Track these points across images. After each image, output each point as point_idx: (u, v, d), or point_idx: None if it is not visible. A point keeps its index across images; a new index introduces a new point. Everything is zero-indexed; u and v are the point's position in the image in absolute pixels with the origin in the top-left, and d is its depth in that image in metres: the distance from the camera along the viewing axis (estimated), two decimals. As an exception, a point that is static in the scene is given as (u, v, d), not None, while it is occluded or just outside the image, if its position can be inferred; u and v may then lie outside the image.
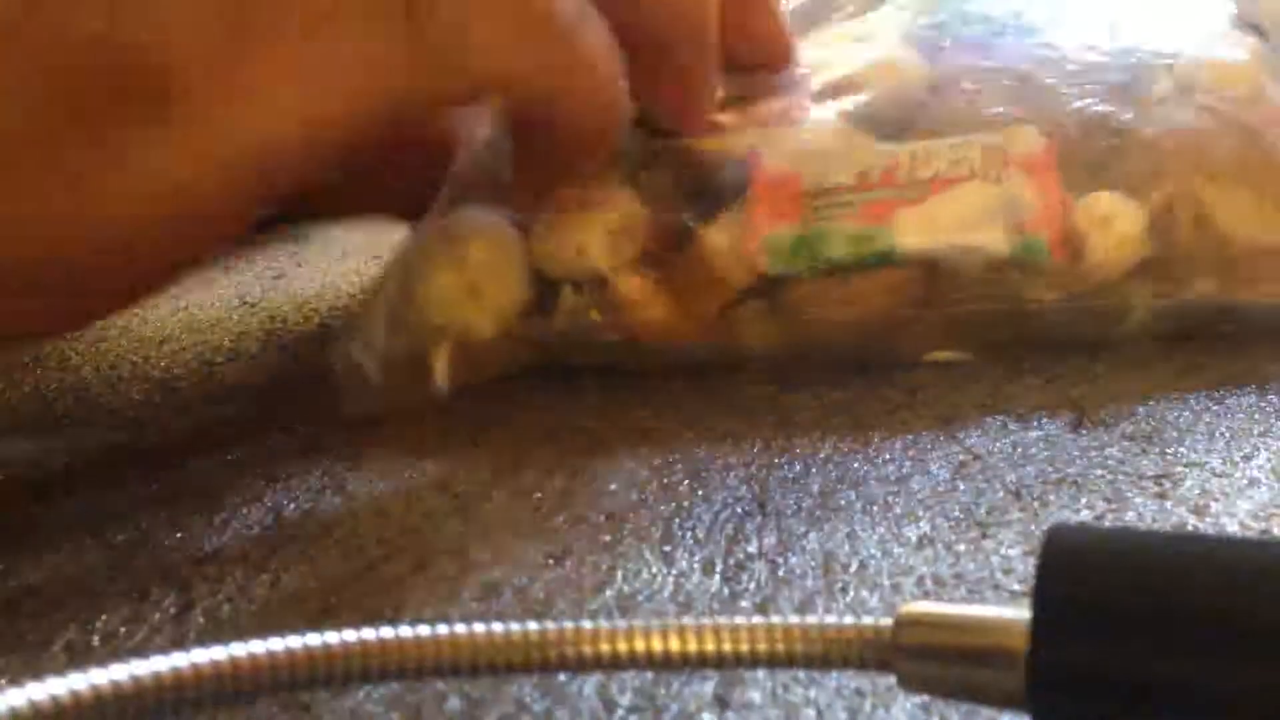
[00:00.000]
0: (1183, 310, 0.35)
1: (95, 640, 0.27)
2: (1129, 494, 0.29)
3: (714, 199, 0.36)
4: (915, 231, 0.34)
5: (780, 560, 0.28)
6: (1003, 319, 0.35)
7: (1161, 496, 0.28)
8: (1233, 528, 0.27)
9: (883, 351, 0.36)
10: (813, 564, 0.27)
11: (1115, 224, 0.34)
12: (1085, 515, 0.28)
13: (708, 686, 0.23)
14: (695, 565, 0.28)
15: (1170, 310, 0.35)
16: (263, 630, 0.27)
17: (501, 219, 0.37)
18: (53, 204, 0.28)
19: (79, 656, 0.27)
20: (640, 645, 0.20)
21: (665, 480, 0.32)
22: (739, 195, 0.36)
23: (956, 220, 0.34)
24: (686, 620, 0.20)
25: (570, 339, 0.36)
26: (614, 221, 0.36)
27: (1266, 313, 0.35)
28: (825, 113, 0.37)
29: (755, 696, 0.23)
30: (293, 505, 0.33)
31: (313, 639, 0.19)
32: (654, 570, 0.28)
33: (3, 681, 0.25)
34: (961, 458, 0.31)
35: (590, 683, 0.24)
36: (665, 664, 0.20)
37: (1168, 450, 0.30)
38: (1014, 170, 0.34)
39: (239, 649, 0.18)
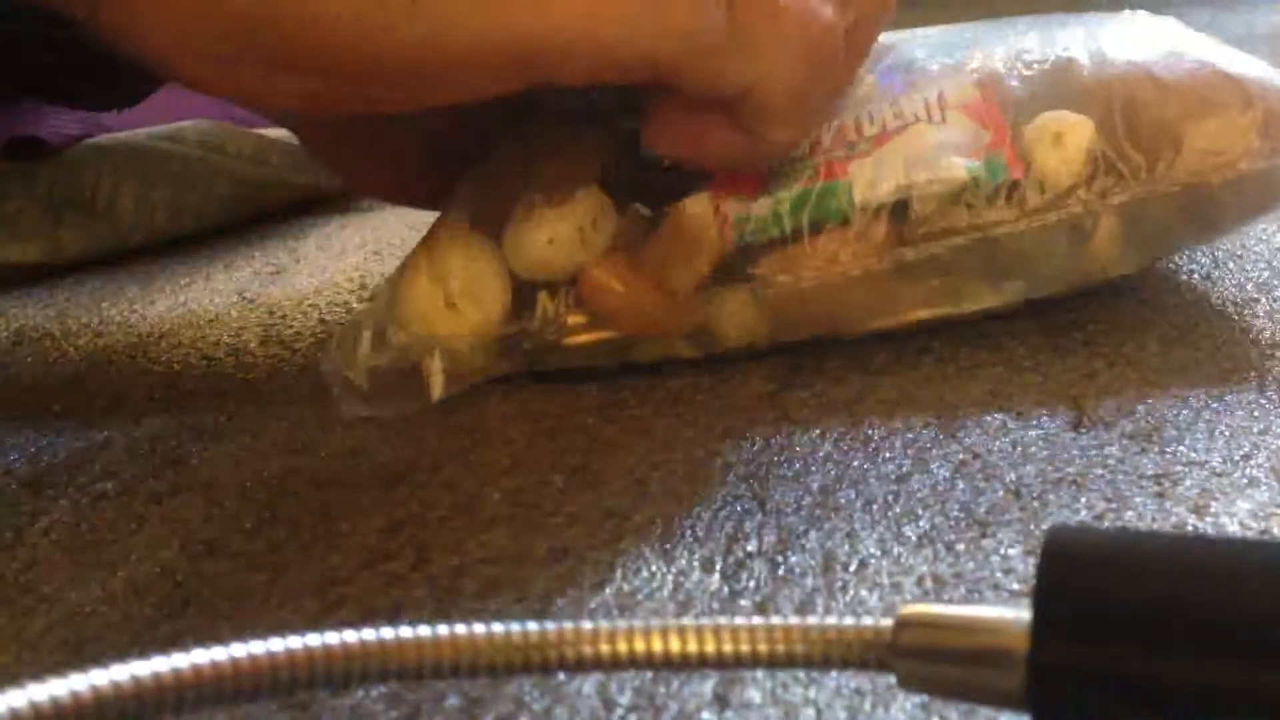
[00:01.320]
0: (1144, 209, 0.35)
1: (93, 638, 0.27)
2: (1129, 493, 0.29)
3: (680, 186, 0.36)
4: (872, 178, 0.35)
5: (780, 559, 0.28)
6: (973, 251, 0.35)
7: (1161, 496, 0.28)
8: (1232, 527, 0.27)
9: (860, 315, 0.36)
10: (812, 563, 0.27)
11: (1066, 138, 0.35)
12: (1085, 514, 0.28)
13: (707, 686, 0.23)
14: (695, 563, 0.28)
15: (1132, 211, 0.35)
16: (261, 627, 0.27)
17: (479, 233, 0.37)
18: (392, 25, 0.31)
19: (76, 653, 0.27)
20: (640, 646, 0.20)
21: (665, 478, 0.32)
22: (703, 180, 0.36)
23: (909, 160, 0.35)
24: (686, 621, 0.20)
25: (548, 343, 0.36)
26: (583, 216, 0.36)
27: (1222, 193, 0.35)
28: None
29: (755, 696, 0.23)
30: (292, 501, 0.33)
31: (313, 639, 0.19)
32: (654, 568, 0.28)
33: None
34: (961, 457, 0.31)
35: (590, 682, 0.24)
36: (665, 664, 0.20)
37: (1167, 449, 0.30)
38: (954, 112, 0.36)
39: (239, 649, 0.18)
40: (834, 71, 0.35)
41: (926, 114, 0.36)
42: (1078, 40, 0.37)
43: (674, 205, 0.36)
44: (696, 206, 0.36)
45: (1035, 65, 0.37)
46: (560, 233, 0.36)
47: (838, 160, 0.36)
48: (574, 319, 0.36)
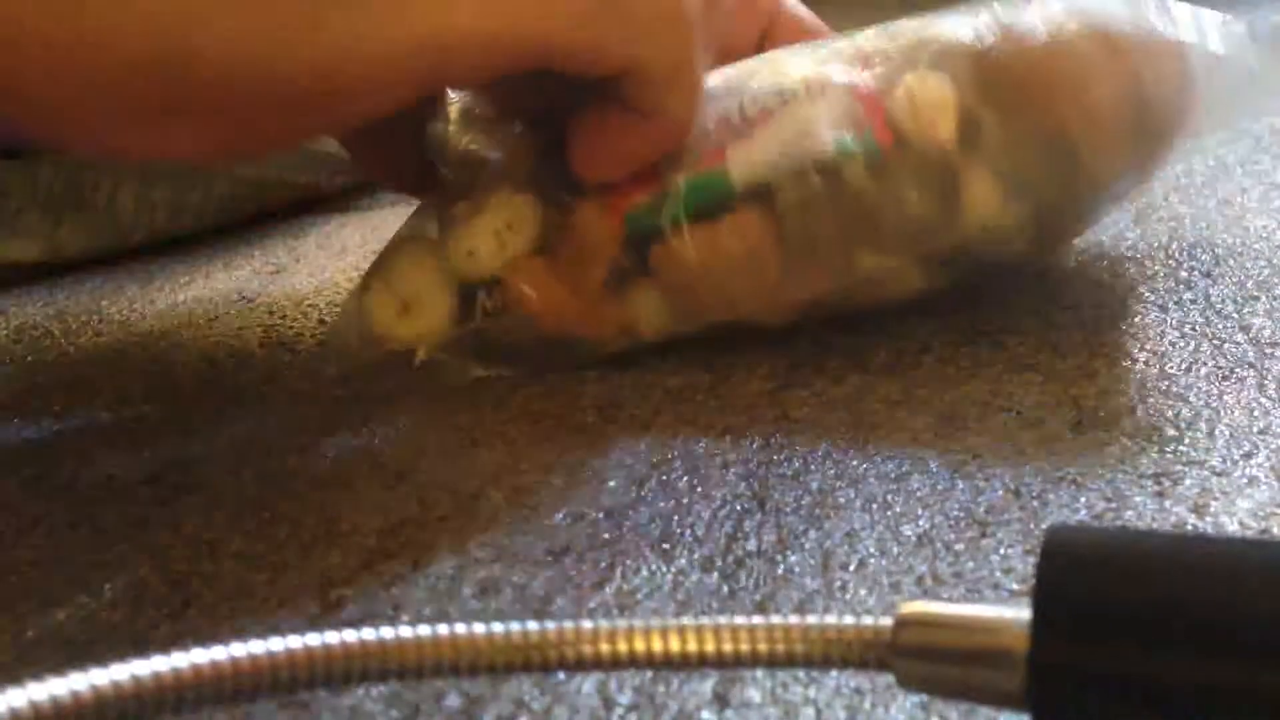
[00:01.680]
0: (1011, 159, 0.36)
1: (92, 636, 0.27)
2: (1128, 493, 0.29)
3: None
4: (747, 160, 0.36)
5: (779, 558, 0.28)
6: (850, 222, 0.36)
7: (1161, 495, 0.28)
8: (1232, 527, 0.27)
9: (752, 299, 0.37)
10: (812, 562, 0.27)
11: (929, 97, 0.36)
12: (1084, 514, 0.28)
13: (707, 685, 0.23)
14: (694, 563, 0.28)
15: (1001, 162, 0.36)
16: (260, 627, 0.27)
17: (426, 240, 0.39)
18: (298, 43, 0.31)
19: (76, 652, 0.27)
20: (640, 645, 0.20)
21: (664, 477, 0.32)
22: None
23: (783, 139, 0.36)
24: (686, 620, 0.20)
25: (493, 341, 0.38)
26: (499, 222, 0.37)
27: (1086, 139, 0.36)
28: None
29: (754, 695, 0.23)
30: (292, 501, 0.33)
31: (313, 639, 0.19)
32: (653, 568, 0.28)
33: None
34: (961, 456, 0.31)
35: (590, 681, 0.24)
36: (665, 664, 0.20)
37: (1167, 449, 0.30)
38: (832, 90, 0.37)
39: (239, 649, 0.18)
40: (708, 33, 0.36)
41: (806, 91, 0.37)
42: (963, 17, 0.38)
43: (570, 207, 0.37)
44: (588, 207, 0.37)
45: (904, 35, 0.37)
46: (479, 243, 0.37)
47: (719, 146, 0.37)
48: (510, 319, 0.38)
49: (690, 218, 0.36)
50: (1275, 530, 0.27)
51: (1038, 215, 0.37)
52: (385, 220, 0.60)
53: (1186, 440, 0.31)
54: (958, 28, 0.37)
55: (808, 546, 0.28)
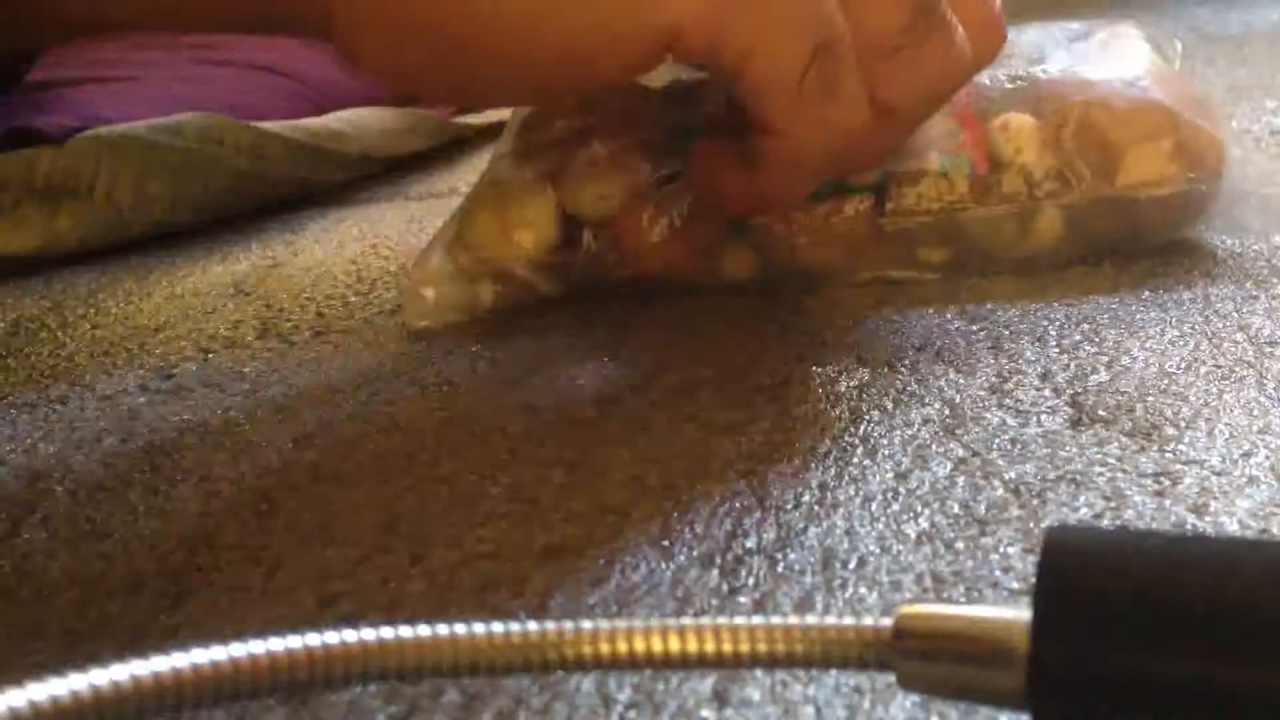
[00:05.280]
0: (1084, 212, 0.41)
1: (90, 630, 0.27)
2: (1128, 492, 0.29)
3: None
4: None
5: (779, 556, 0.27)
6: (937, 227, 0.42)
7: (1160, 494, 0.28)
8: (1232, 527, 0.27)
9: (844, 270, 0.43)
10: (811, 560, 0.27)
11: (1023, 139, 0.42)
12: (1084, 513, 0.28)
13: (706, 683, 0.23)
14: (694, 560, 0.28)
15: (1074, 213, 0.41)
16: (258, 621, 0.27)
17: (531, 171, 0.44)
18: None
19: (74, 646, 0.27)
20: (640, 645, 0.20)
21: (663, 474, 0.31)
22: None
23: (898, 150, 0.42)
24: (686, 620, 0.20)
25: (590, 273, 0.43)
26: (633, 181, 0.42)
27: (1146, 208, 0.41)
28: None
29: (754, 694, 0.23)
30: (289, 495, 0.32)
31: (312, 639, 0.19)
32: (652, 565, 0.28)
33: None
34: (961, 454, 0.31)
35: (589, 678, 0.24)
36: (665, 664, 0.20)
37: (1167, 448, 0.30)
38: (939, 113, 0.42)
39: (239, 649, 0.18)
40: (843, 86, 0.35)
41: None
42: (1054, 62, 0.44)
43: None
44: None
45: (1015, 80, 0.43)
46: (612, 190, 0.42)
47: None
48: (613, 256, 0.42)
49: (813, 198, 0.42)
50: (1275, 530, 0.27)
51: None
52: (384, 215, 0.60)
53: (1186, 440, 0.31)
54: (1066, 87, 0.43)
55: (807, 544, 0.28)
